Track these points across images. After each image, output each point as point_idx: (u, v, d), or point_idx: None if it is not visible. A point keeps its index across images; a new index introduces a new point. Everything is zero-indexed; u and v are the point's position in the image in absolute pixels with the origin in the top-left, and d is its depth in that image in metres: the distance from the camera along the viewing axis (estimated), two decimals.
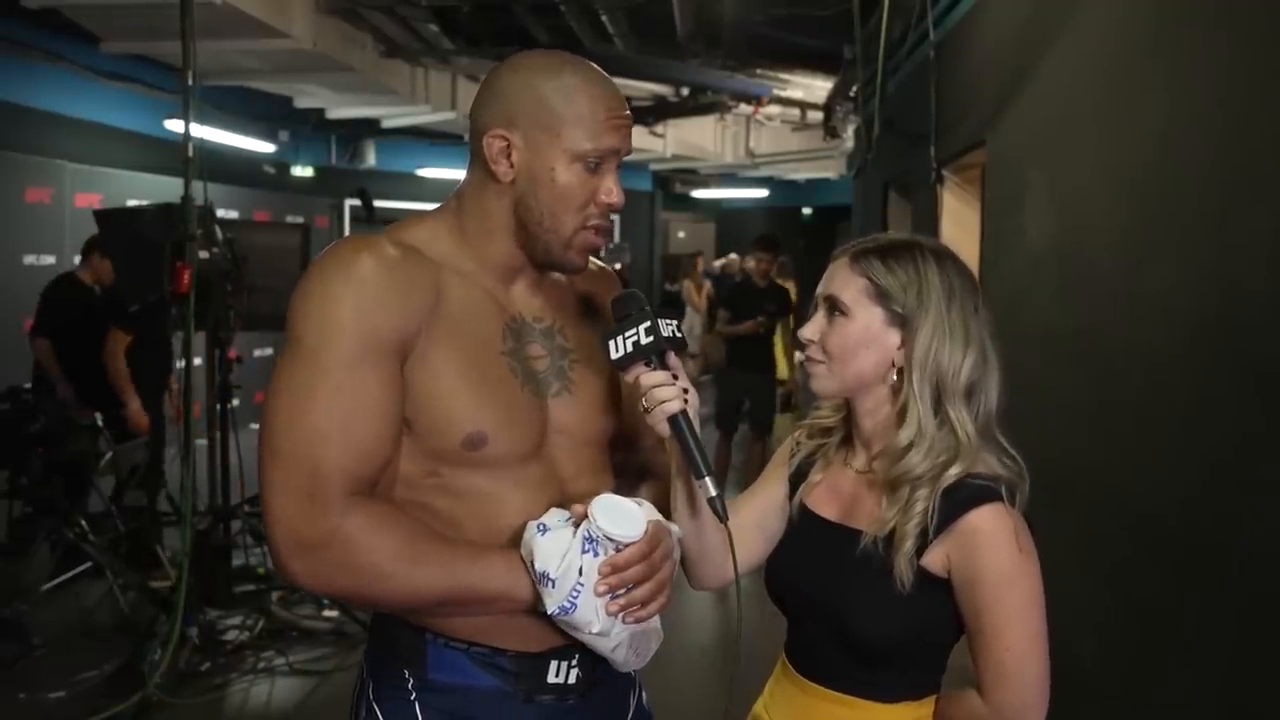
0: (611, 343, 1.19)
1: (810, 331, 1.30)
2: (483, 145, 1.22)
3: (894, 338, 1.26)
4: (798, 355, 8.77)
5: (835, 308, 1.28)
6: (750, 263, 6.87)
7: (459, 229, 1.27)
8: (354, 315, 1.14)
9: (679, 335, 1.20)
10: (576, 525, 1.15)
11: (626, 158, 1.27)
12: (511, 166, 1.22)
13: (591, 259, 1.45)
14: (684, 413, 1.17)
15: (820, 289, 1.31)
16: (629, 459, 1.40)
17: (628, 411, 1.32)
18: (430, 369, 1.18)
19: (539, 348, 1.28)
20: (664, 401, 1.16)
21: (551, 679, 1.25)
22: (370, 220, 4.81)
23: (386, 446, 1.16)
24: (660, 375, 1.17)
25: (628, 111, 1.26)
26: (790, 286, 7.32)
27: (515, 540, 1.18)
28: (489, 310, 1.25)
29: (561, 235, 1.23)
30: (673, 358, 1.20)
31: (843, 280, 1.28)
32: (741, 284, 6.60)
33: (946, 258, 1.27)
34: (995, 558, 1.18)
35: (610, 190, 1.23)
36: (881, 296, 1.25)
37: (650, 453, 1.39)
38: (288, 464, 1.12)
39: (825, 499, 1.34)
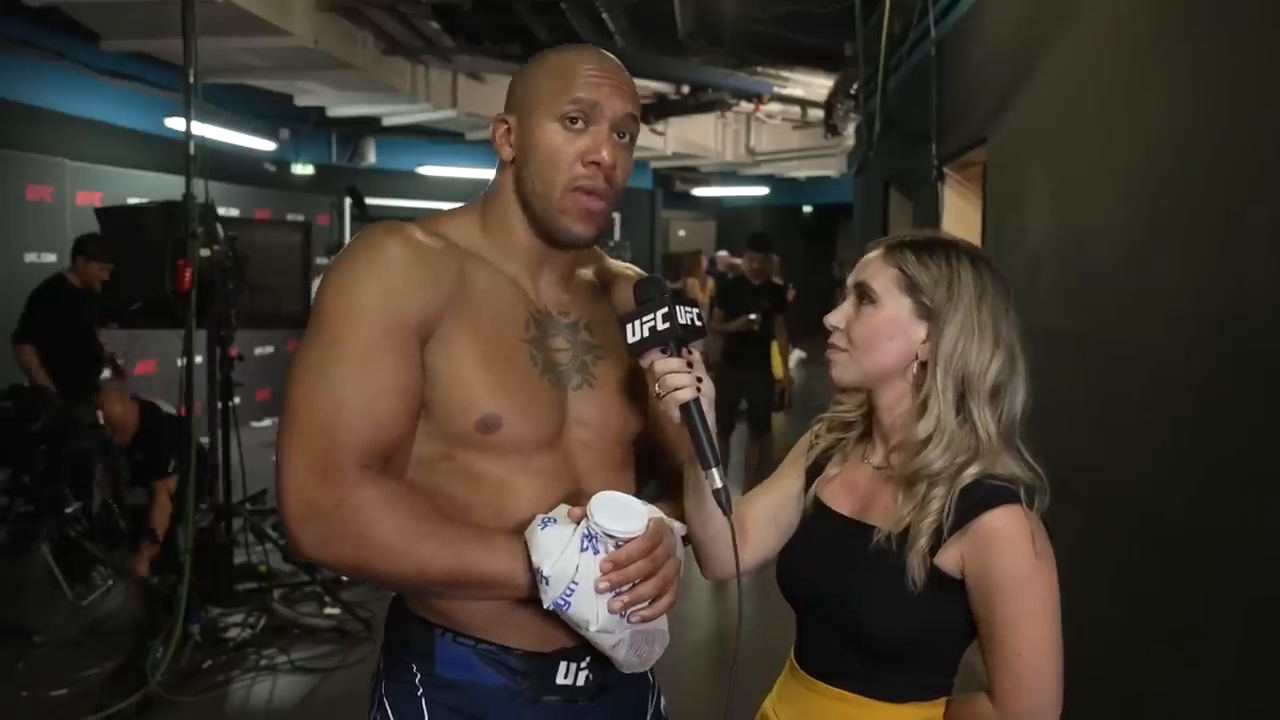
0: (629, 327, 1.18)
1: (836, 318, 1.30)
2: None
3: (920, 331, 1.25)
4: (795, 354, 8.69)
5: (865, 295, 1.27)
6: (742, 262, 6.83)
7: (483, 221, 1.30)
8: (378, 296, 1.16)
9: (699, 324, 1.19)
10: (578, 524, 1.14)
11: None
12: (511, 146, 1.26)
13: (633, 267, 1.45)
14: (696, 401, 1.16)
15: (851, 277, 1.31)
16: (658, 466, 1.39)
17: (656, 417, 1.31)
18: (450, 351, 1.19)
19: (562, 341, 1.29)
20: (677, 389, 1.15)
21: (560, 680, 1.24)
22: (364, 218, 4.80)
23: (402, 423, 1.17)
24: (675, 362, 1.16)
25: (621, 75, 1.26)
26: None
27: (524, 528, 1.17)
28: (514, 298, 1.26)
29: (551, 199, 1.23)
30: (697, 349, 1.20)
31: (875, 269, 1.28)
32: (736, 282, 6.53)
33: (981, 260, 1.27)
34: (1010, 560, 1.16)
35: (596, 148, 1.22)
36: (912, 288, 1.25)
37: (680, 466, 1.36)
38: (304, 435, 1.14)
39: (841, 494, 1.33)
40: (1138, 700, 2.41)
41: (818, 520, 1.34)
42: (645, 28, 6.91)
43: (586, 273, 1.39)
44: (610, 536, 1.12)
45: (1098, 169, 2.75)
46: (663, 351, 1.17)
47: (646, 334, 1.17)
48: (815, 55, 7.37)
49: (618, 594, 1.12)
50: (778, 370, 6.46)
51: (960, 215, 4.72)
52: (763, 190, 14.93)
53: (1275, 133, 1.85)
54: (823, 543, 1.32)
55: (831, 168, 12.31)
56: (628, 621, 1.14)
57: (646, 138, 9.97)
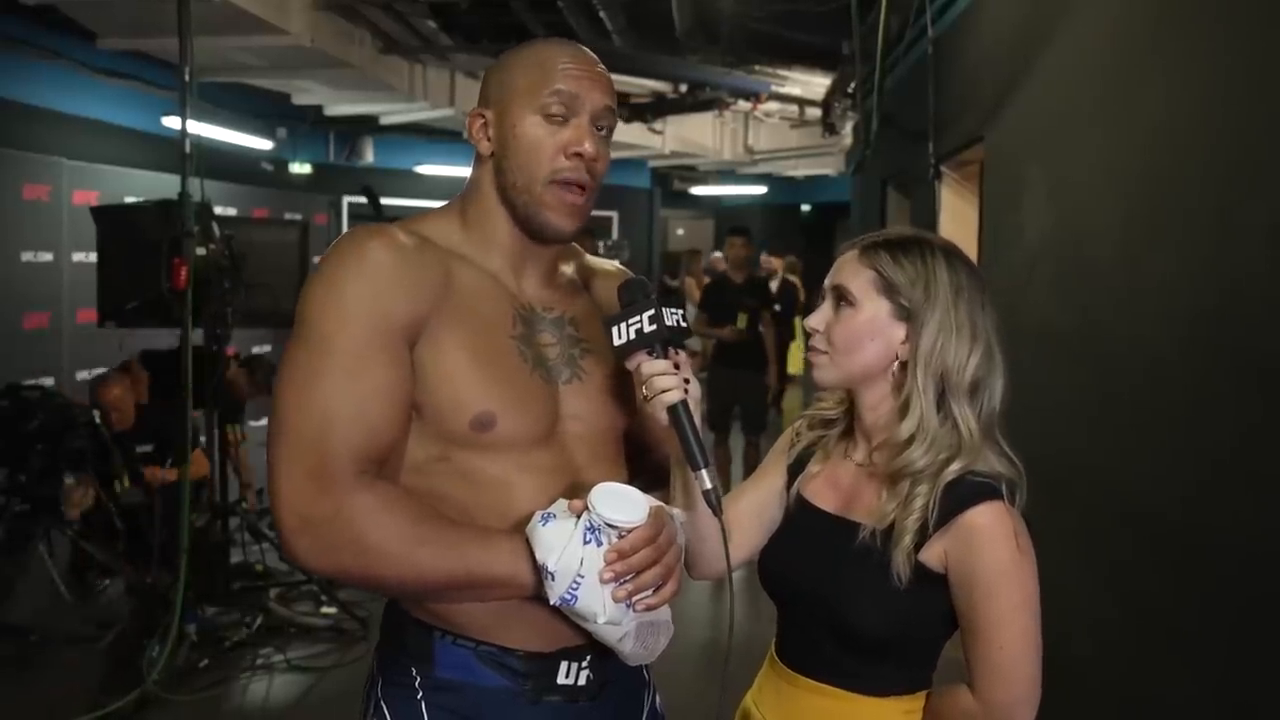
0: (615, 329, 1.18)
1: (816, 321, 1.30)
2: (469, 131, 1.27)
3: (899, 331, 1.26)
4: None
5: (843, 298, 1.28)
6: (723, 257, 6.49)
7: (463, 218, 1.29)
8: (364, 299, 1.15)
9: (683, 325, 1.19)
10: (579, 517, 1.13)
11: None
12: (489, 140, 1.26)
13: (613, 263, 1.45)
14: (683, 403, 1.16)
15: (828, 280, 1.31)
16: (644, 463, 1.38)
17: (640, 415, 1.31)
18: (440, 351, 1.18)
19: (549, 336, 1.28)
20: (664, 391, 1.16)
21: (561, 680, 1.24)
22: (379, 218, 4.78)
23: (394, 427, 1.17)
24: (661, 364, 1.17)
25: (598, 68, 1.26)
26: (798, 282, 7.22)
27: (524, 526, 1.16)
28: (498, 295, 1.26)
29: (533, 192, 1.23)
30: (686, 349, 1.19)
31: (851, 271, 1.28)
32: (719, 281, 6.15)
33: (955, 256, 1.28)
34: (993, 555, 1.17)
35: (578, 140, 1.22)
36: (889, 289, 1.25)
37: (664, 460, 1.36)
38: (295, 443, 1.13)
39: (824, 491, 1.34)
40: (1135, 699, 2.41)
41: (802, 517, 1.34)
42: (642, 26, 6.91)
43: (568, 269, 1.38)
44: (613, 527, 1.11)
45: (1095, 168, 2.75)
46: (649, 353, 1.17)
47: (633, 336, 1.16)
48: (813, 54, 7.36)
49: (622, 583, 1.11)
50: (792, 366, 6.25)
51: (958, 214, 4.72)
52: (761, 189, 14.91)
53: (1272, 131, 1.85)
54: (807, 539, 1.32)
55: (830, 166, 12.28)
56: (633, 610, 1.13)
57: (644, 137, 9.95)
